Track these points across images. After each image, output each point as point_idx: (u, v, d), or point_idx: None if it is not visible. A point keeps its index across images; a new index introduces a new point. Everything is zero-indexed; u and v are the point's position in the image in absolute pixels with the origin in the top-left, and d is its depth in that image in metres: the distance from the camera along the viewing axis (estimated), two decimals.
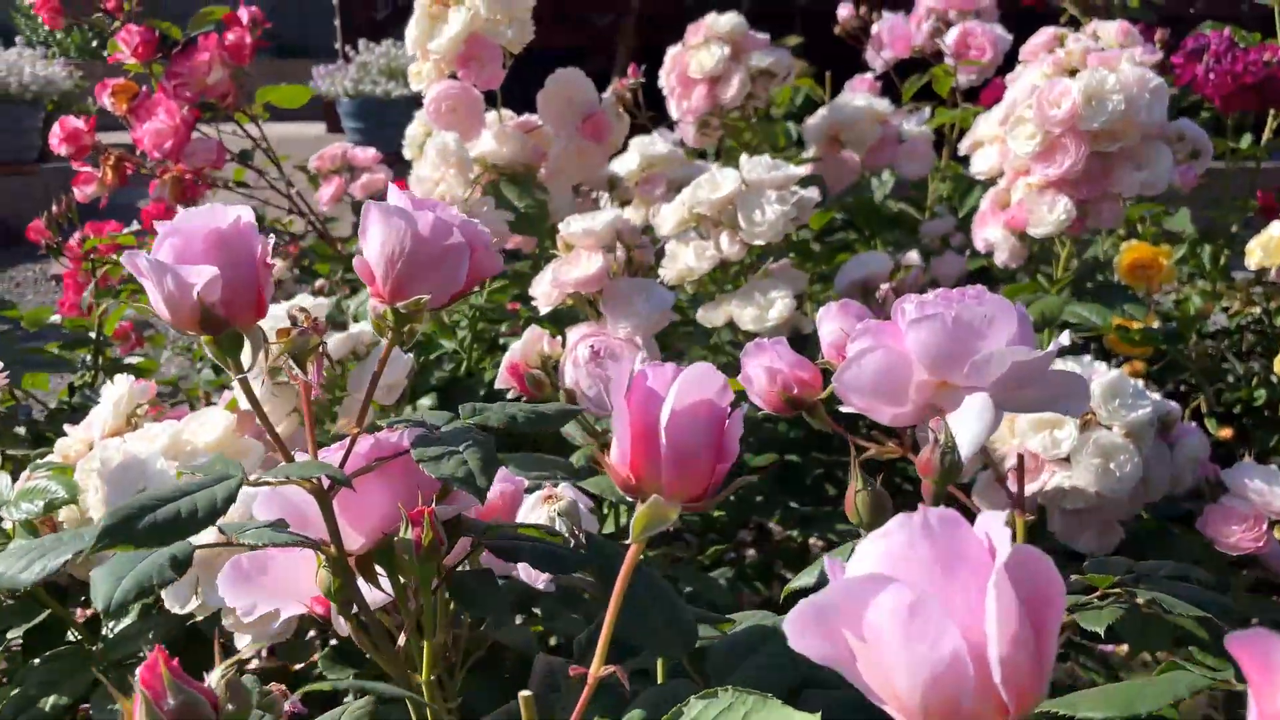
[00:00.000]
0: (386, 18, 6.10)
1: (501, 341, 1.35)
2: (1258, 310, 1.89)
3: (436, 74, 1.11)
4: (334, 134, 5.57)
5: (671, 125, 2.34)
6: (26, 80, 4.42)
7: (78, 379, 1.83)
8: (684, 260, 1.02)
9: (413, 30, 1.10)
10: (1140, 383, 0.95)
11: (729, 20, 1.46)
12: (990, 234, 1.16)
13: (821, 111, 1.57)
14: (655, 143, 1.37)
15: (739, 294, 1.01)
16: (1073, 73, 1.12)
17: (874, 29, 1.83)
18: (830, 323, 0.63)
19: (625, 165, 1.36)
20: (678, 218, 1.03)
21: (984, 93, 1.85)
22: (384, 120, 4.24)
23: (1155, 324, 1.63)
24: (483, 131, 1.15)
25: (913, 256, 1.13)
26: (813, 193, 1.06)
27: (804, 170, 1.03)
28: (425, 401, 1.17)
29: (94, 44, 6.54)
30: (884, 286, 1.13)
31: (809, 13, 5.46)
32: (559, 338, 0.93)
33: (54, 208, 1.72)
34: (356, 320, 1.22)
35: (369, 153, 1.56)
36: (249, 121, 1.73)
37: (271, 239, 0.51)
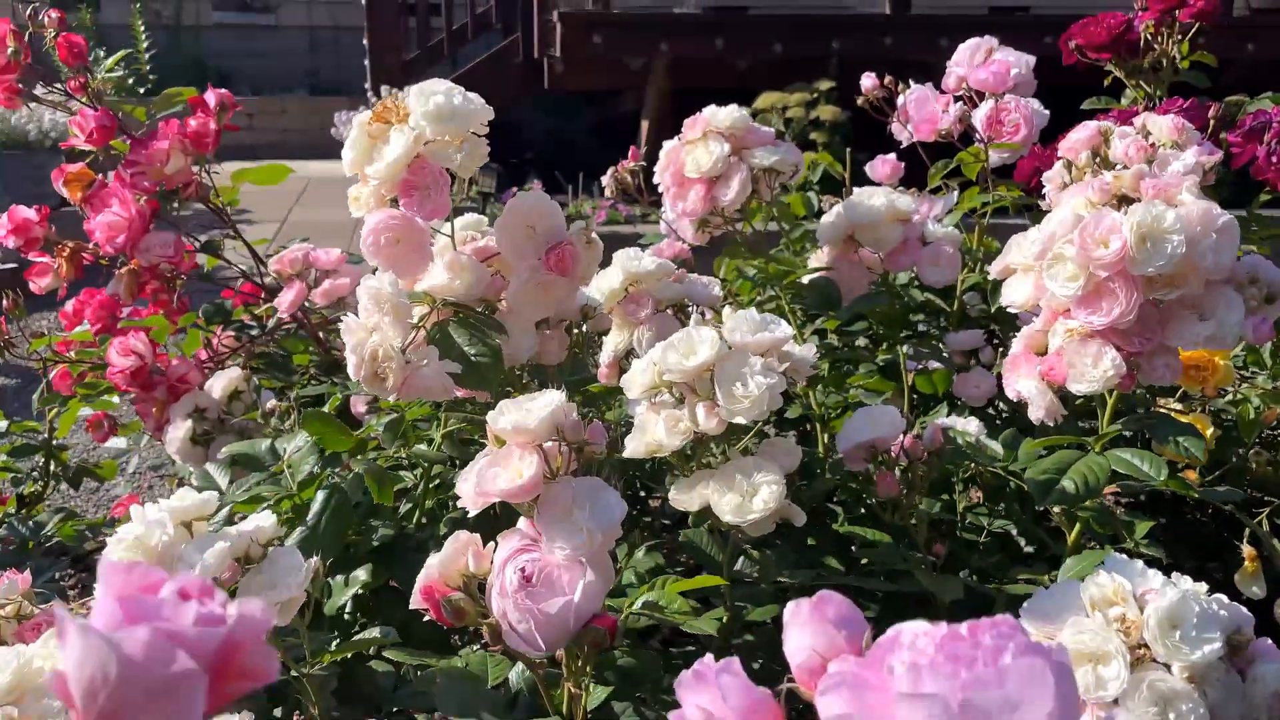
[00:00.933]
0: (414, 59, 6.03)
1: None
2: None
3: (376, 201, 0.96)
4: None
5: None
6: (46, 127, 4.38)
7: (28, 487, 1.71)
8: (653, 434, 0.85)
9: (348, 152, 0.95)
10: (1205, 591, 0.77)
11: (729, 114, 1.30)
12: (1023, 385, 0.99)
13: (836, 210, 1.40)
14: (640, 258, 1.21)
15: (718, 475, 0.85)
16: (1122, 200, 0.95)
17: (900, 100, 1.66)
18: (800, 634, 0.45)
19: (607, 283, 1.20)
20: (646, 381, 0.87)
21: (1018, 168, 1.67)
22: None
23: (1208, 430, 1.43)
24: (430, 262, 0.99)
25: (934, 426, 0.96)
26: (807, 352, 0.89)
27: (789, 333, 0.86)
28: (360, 575, 1.02)
29: (129, 82, 6.53)
30: (895, 443, 0.96)
31: (845, 59, 5.31)
32: (493, 544, 0.77)
33: (3, 301, 1.61)
34: (290, 468, 1.08)
35: (332, 255, 1.42)
36: (218, 208, 1.61)
37: None
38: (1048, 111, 1.47)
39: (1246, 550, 1.49)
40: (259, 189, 1.87)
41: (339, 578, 1.04)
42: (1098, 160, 1.21)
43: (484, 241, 1.06)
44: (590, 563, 0.71)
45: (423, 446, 1.18)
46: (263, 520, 0.81)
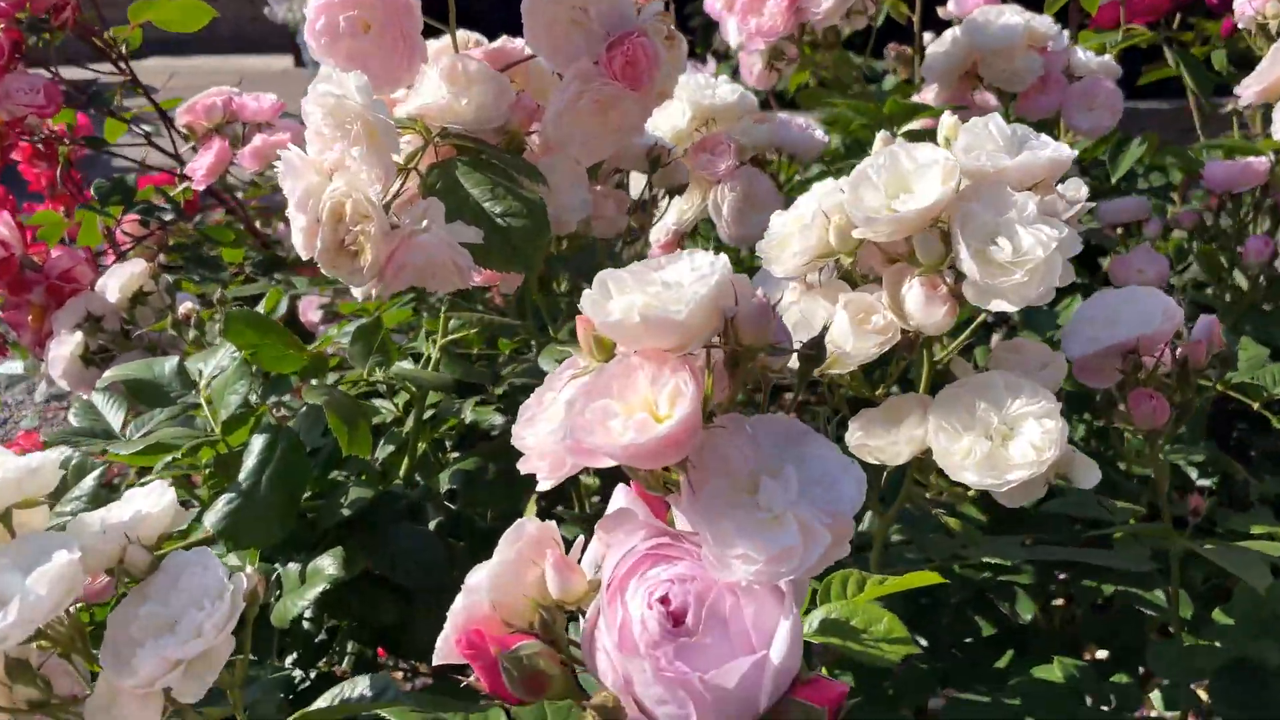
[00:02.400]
0: None
1: (467, 418, 0.83)
2: None
3: None
4: (303, 69, 4.93)
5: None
6: None
7: None
8: (834, 336, 0.50)
9: None
10: None
11: None
12: None
13: (952, 34, 1.03)
14: (714, 85, 0.84)
15: (941, 404, 0.49)
16: None
17: None
18: None
19: (670, 122, 0.83)
20: (813, 244, 0.50)
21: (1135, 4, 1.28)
22: None
23: None
24: (421, 70, 0.62)
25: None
26: (1080, 190, 0.53)
27: (1069, 151, 0.50)
28: (325, 565, 0.65)
29: None
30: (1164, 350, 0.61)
31: None
32: (580, 541, 0.41)
33: None
34: (210, 399, 0.70)
35: (264, 102, 1.02)
36: (114, 54, 1.19)
37: None
38: None
39: None
40: (181, 85, 1.44)
41: (291, 567, 0.68)
42: None
43: (501, 41, 0.68)
44: (791, 590, 0.36)
45: (408, 364, 0.81)
46: (149, 501, 0.45)
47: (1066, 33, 1.08)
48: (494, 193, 0.59)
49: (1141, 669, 0.85)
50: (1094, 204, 0.54)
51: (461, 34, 0.68)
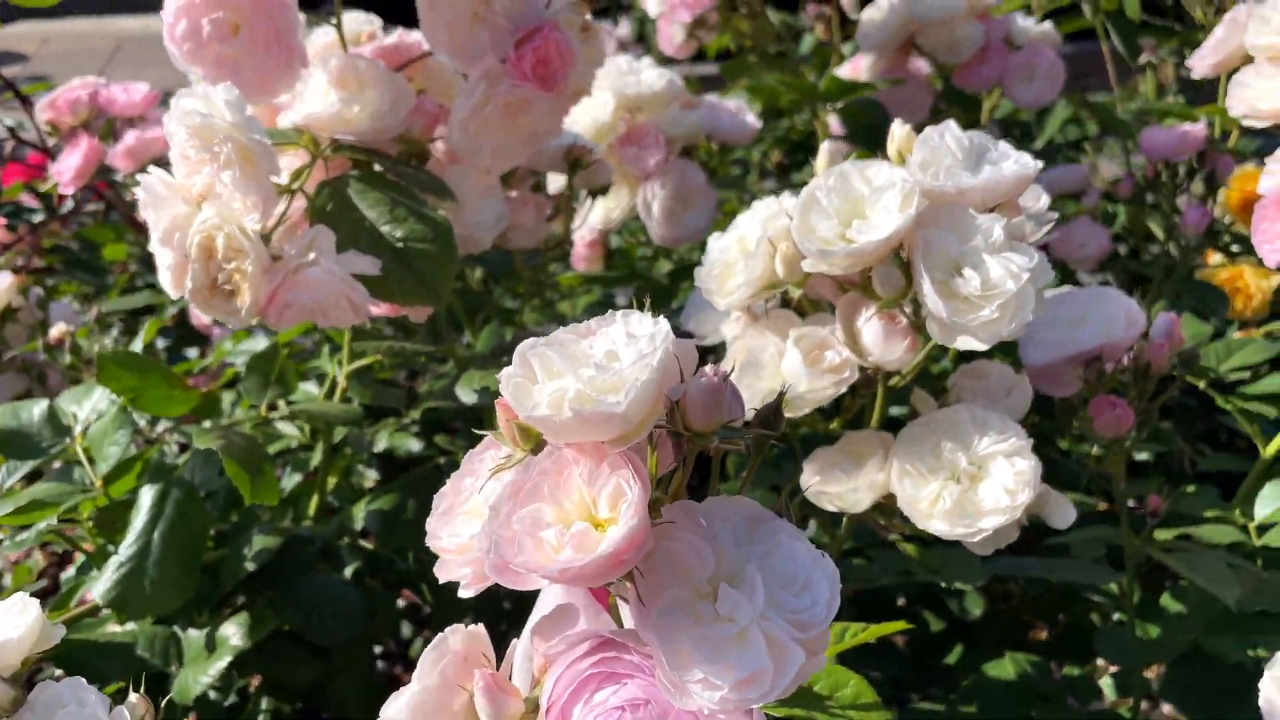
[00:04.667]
0: None
1: (380, 445, 0.76)
2: None
3: None
4: None
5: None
6: None
7: None
8: (773, 377, 0.44)
9: None
10: None
11: None
12: None
13: (891, 1, 0.97)
14: (639, 71, 0.78)
15: (905, 444, 0.45)
16: None
17: None
18: None
19: (591, 114, 0.76)
20: (757, 274, 0.45)
21: None
22: None
23: None
24: (304, 74, 0.54)
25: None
26: (1041, 201, 0.49)
27: (1034, 164, 0.45)
28: (230, 635, 0.59)
29: None
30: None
31: None
32: (512, 647, 0.35)
33: None
34: (88, 454, 0.62)
35: (135, 92, 0.92)
36: None
37: None
38: None
39: None
40: (58, 51, 1.31)
41: (193, 634, 0.61)
42: None
43: (396, 36, 0.60)
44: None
45: (312, 388, 0.74)
46: (8, 624, 0.38)
47: None
48: (393, 214, 0.52)
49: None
50: (1055, 214, 0.49)
51: (350, 20, 0.60)
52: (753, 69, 0.96)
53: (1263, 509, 0.80)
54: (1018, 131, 1.38)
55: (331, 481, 0.73)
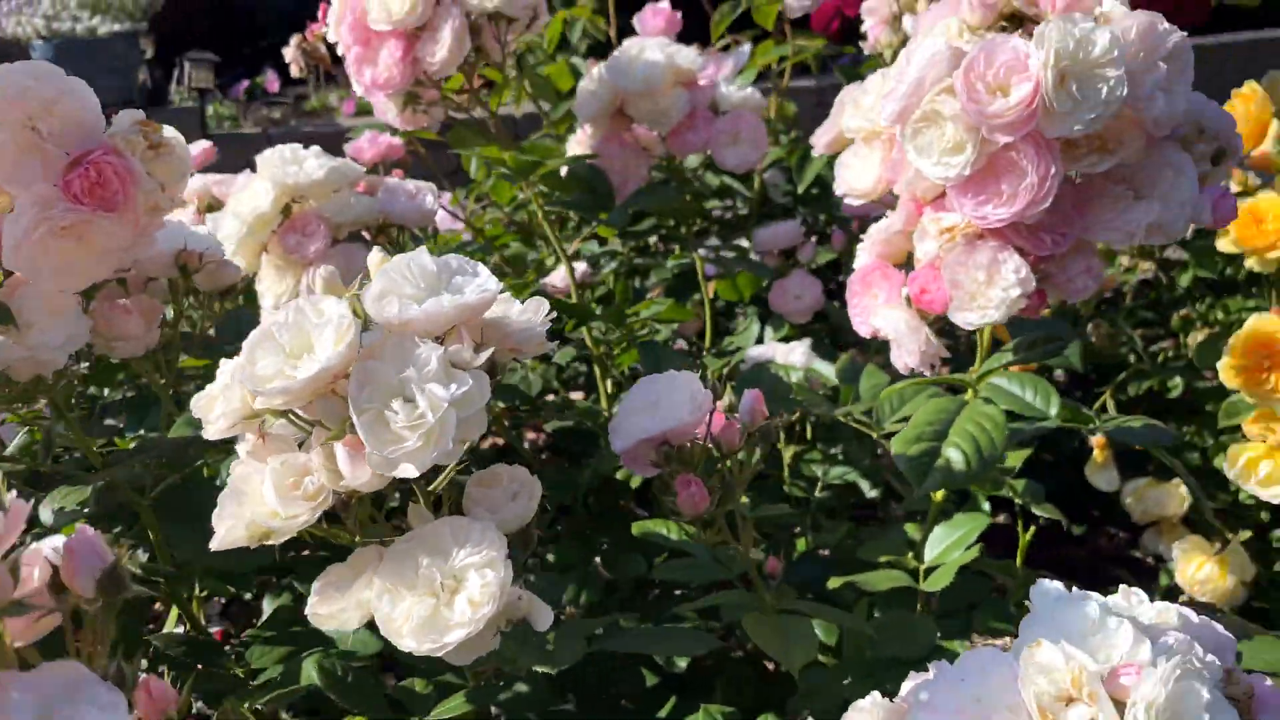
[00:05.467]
0: None
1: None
2: (1152, 266, 1.49)
3: None
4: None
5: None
6: None
7: None
8: (259, 505, 0.46)
9: None
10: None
11: None
12: (885, 319, 0.65)
13: (597, 73, 1.00)
14: (301, 160, 0.79)
15: (388, 563, 0.47)
16: (1012, 20, 0.60)
17: None
18: None
19: (252, 204, 0.78)
20: (234, 407, 0.47)
21: (818, 13, 1.35)
22: (96, 63, 3.35)
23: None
24: None
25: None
26: (534, 315, 0.51)
27: (491, 288, 0.47)
28: None
29: None
30: (700, 428, 0.61)
31: None
32: None
33: None
34: None
35: None
36: None
37: None
38: None
39: (1095, 440, 1.27)
40: None
41: None
42: None
43: None
44: None
45: None
46: None
47: (714, 61, 1.07)
48: None
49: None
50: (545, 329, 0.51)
51: None
52: (467, 139, 0.98)
53: (931, 551, 0.84)
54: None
55: None
